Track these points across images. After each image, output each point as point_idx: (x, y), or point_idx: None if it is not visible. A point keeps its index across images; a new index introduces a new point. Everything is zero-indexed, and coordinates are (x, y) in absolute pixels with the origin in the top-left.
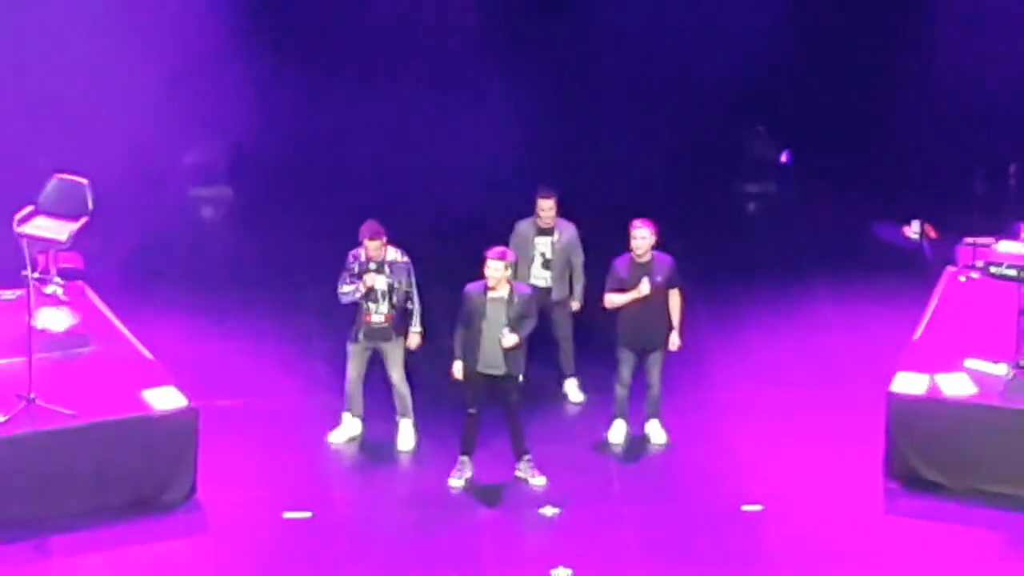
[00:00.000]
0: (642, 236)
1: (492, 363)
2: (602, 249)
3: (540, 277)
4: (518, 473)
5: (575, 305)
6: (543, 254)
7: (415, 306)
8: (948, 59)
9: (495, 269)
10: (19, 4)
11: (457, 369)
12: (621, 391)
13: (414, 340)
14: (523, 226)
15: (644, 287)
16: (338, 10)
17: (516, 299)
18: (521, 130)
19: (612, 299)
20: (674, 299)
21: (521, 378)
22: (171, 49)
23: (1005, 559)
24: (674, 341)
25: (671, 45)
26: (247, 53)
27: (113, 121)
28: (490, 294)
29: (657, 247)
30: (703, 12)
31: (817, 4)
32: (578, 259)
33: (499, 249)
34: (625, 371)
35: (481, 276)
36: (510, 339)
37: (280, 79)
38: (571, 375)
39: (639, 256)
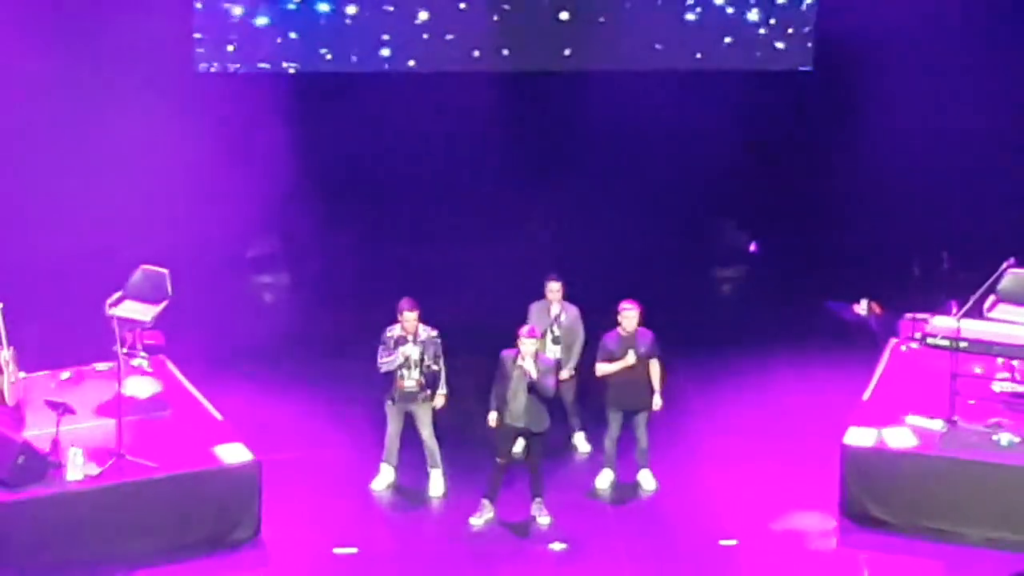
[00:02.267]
0: (630, 314)
1: (517, 417)
2: (597, 325)
3: (551, 351)
4: (532, 511)
5: (565, 374)
6: (552, 330)
7: (441, 373)
8: (890, 163)
9: (530, 344)
10: (107, 106)
11: (492, 419)
12: (610, 445)
13: (439, 401)
14: (537, 307)
15: (630, 358)
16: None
17: (541, 367)
18: (535, 230)
19: (603, 368)
20: (655, 367)
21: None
22: (234, 161)
23: None
24: (656, 402)
25: (657, 155)
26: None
27: (190, 219)
28: (519, 362)
29: (641, 324)
30: (680, 139)
31: (765, 122)
32: (579, 338)
33: (531, 328)
34: (614, 428)
35: (509, 345)
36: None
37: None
38: (579, 429)
39: (626, 331)
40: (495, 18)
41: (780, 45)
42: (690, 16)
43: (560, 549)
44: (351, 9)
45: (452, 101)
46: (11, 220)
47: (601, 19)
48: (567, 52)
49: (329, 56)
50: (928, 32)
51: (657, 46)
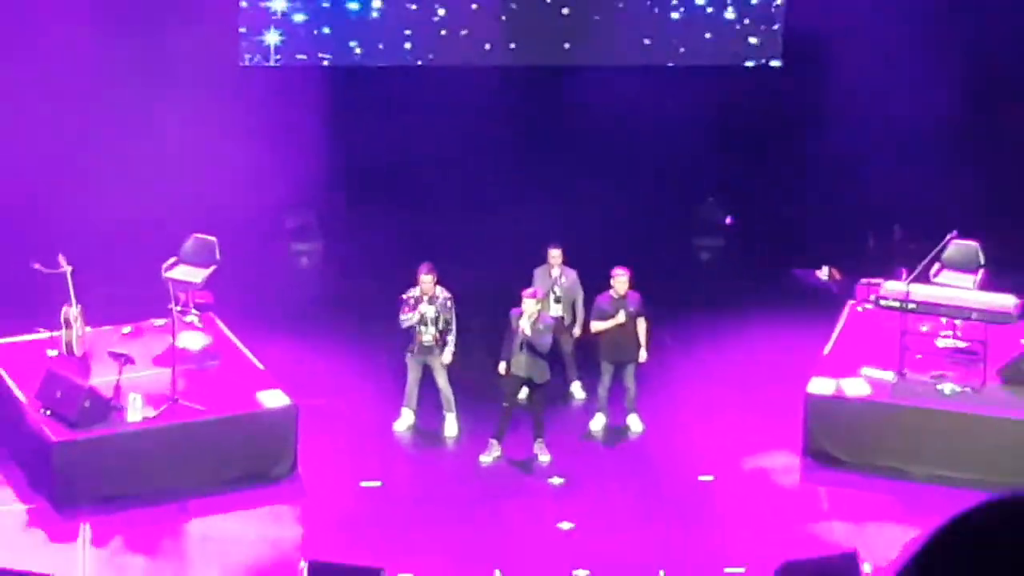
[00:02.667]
0: (621, 278)
1: (520, 368)
2: (592, 287)
3: (554, 310)
4: (535, 450)
5: (576, 331)
6: (555, 292)
7: (453, 332)
8: (849, 147)
9: (531, 305)
10: (164, 93)
11: (502, 367)
12: (603, 392)
13: (449, 356)
14: (540, 271)
15: (621, 316)
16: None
17: (542, 325)
18: (539, 204)
19: (597, 325)
20: (642, 325)
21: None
22: (275, 143)
23: (890, 510)
24: (643, 356)
25: (646, 141)
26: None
27: (236, 193)
28: (522, 320)
29: (630, 287)
30: (666, 127)
31: (740, 111)
32: (579, 297)
33: (533, 290)
34: (606, 378)
35: (517, 304)
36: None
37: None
38: (576, 379)
39: (617, 293)
40: (503, 17)
41: (753, 40)
42: (675, 15)
43: (558, 483)
44: (377, 3)
45: (466, 91)
46: (82, 192)
47: (596, 17)
48: (567, 47)
49: (358, 50)
50: (882, 28)
51: (646, 41)
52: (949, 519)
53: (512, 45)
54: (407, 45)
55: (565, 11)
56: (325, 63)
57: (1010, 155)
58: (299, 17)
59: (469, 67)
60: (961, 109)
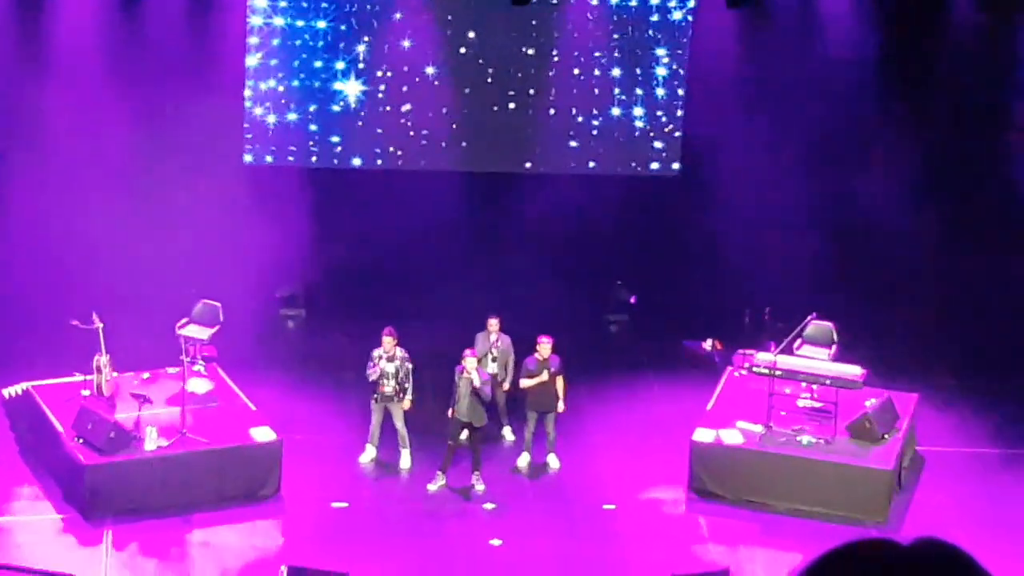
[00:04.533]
0: (545, 344)
1: (463, 414)
2: (521, 351)
3: (490, 368)
4: (472, 480)
5: (506, 385)
6: (492, 353)
7: (409, 384)
8: (731, 240)
9: (471, 360)
10: (177, 179)
11: (451, 412)
12: (528, 436)
13: (406, 403)
14: (480, 336)
15: (544, 375)
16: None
17: (481, 379)
18: (481, 282)
19: (525, 382)
20: (560, 382)
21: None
22: (270, 226)
23: (757, 536)
24: (560, 407)
25: (567, 236)
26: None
27: (236, 267)
28: (464, 374)
29: (553, 351)
30: (583, 223)
31: (643, 210)
32: (511, 358)
33: (471, 349)
34: (531, 424)
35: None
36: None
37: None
38: (506, 424)
39: (541, 356)
40: (454, 125)
41: (658, 144)
42: (595, 122)
43: (491, 508)
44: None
45: (424, 191)
46: (111, 262)
47: (530, 127)
48: (506, 154)
49: (339, 148)
50: (757, 140)
51: (572, 144)
52: (821, 554)
53: (463, 143)
54: (377, 150)
55: (512, 106)
56: (313, 160)
57: (864, 247)
58: (292, 116)
59: (428, 171)
60: (824, 218)
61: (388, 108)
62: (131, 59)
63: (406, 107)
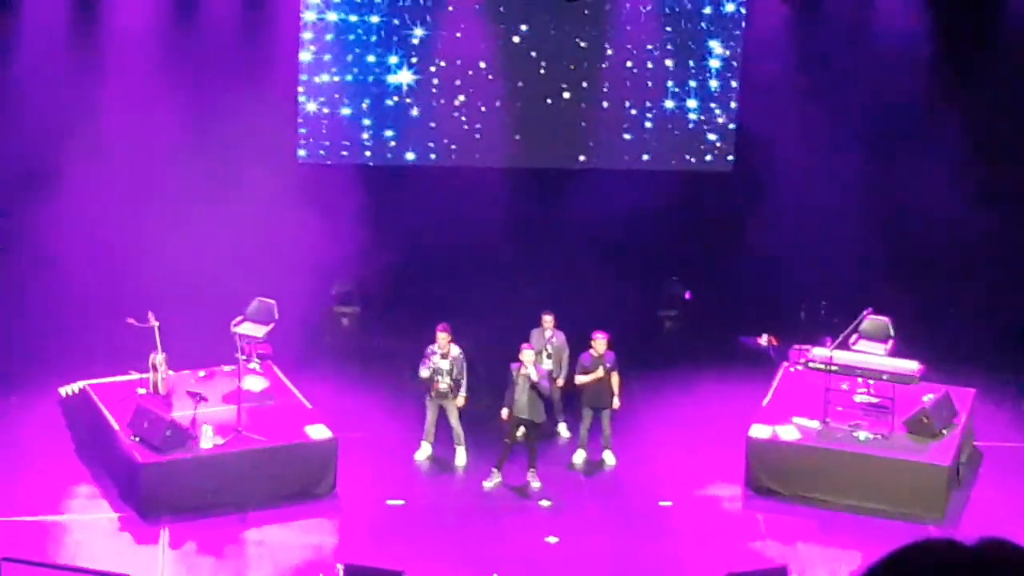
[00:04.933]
0: (600, 340)
1: (521, 411)
2: (577, 347)
3: (545, 364)
4: (528, 478)
5: (561, 382)
6: (547, 349)
7: (464, 381)
8: (787, 234)
9: (528, 353)
10: (239, 178)
11: (504, 413)
12: (583, 432)
13: (461, 400)
14: (535, 332)
15: (600, 371)
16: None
17: (539, 374)
18: (536, 278)
19: (580, 379)
20: (616, 378)
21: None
22: (325, 223)
23: (814, 533)
24: (616, 403)
25: (623, 230)
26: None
27: (293, 264)
28: (522, 370)
29: (608, 348)
30: (640, 218)
31: (699, 204)
32: (565, 354)
33: (528, 344)
34: (587, 420)
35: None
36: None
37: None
38: (562, 421)
39: (596, 352)
40: (507, 119)
41: (712, 137)
42: (648, 115)
43: (547, 505)
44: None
45: (480, 187)
46: (171, 261)
47: (583, 122)
48: (564, 149)
49: (393, 143)
50: (811, 133)
51: (627, 136)
52: (884, 557)
53: (517, 136)
54: (430, 143)
55: (565, 97)
56: (367, 155)
57: (920, 242)
58: (345, 111)
59: (481, 167)
60: (877, 202)
61: (442, 101)
62: (184, 57)
63: (459, 99)
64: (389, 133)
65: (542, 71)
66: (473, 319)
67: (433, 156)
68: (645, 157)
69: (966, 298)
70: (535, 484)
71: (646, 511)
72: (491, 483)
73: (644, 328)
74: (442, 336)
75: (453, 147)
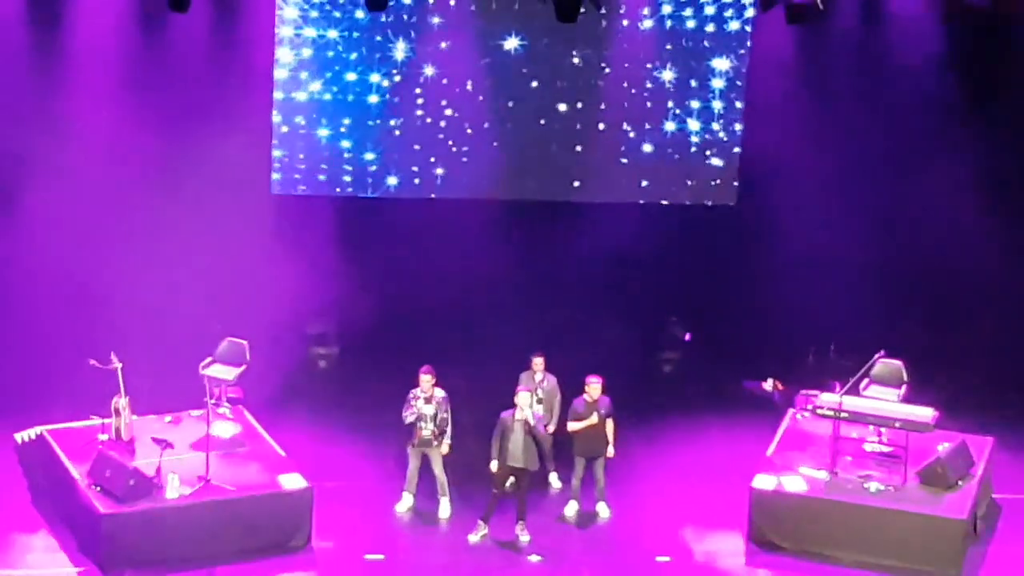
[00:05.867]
0: (594, 385)
1: (516, 459)
2: (569, 392)
3: (536, 409)
4: (516, 531)
5: (552, 428)
6: (537, 393)
7: (449, 427)
8: (792, 275)
9: (524, 397)
10: (204, 213)
11: (494, 465)
12: (576, 482)
13: (445, 448)
14: (525, 375)
15: (594, 418)
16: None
17: (534, 422)
18: (525, 318)
19: (572, 425)
20: (610, 426)
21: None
22: (301, 262)
23: None
24: (611, 452)
25: (619, 269)
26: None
27: (265, 304)
28: (516, 415)
29: (602, 392)
30: (637, 257)
31: (700, 244)
32: (557, 399)
33: (526, 387)
34: (579, 470)
35: (505, 405)
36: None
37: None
38: (553, 470)
39: (591, 397)
40: (495, 144)
41: (716, 162)
42: (647, 147)
43: (536, 560)
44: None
45: (463, 221)
46: (133, 301)
47: (578, 148)
48: (553, 183)
49: (374, 167)
50: (819, 159)
51: (623, 161)
52: None
53: (506, 166)
54: (416, 181)
55: (554, 148)
56: (346, 180)
57: (935, 276)
58: (323, 131)
59: (468, 199)
60: (894, 249)
61: (428, 121)
62: (152, 81)
63: (443, 123)
64: (370, 156)
65: (534, 87)
66: (459, 361)
67: (417, 181)
68: (644, 183)
69: (984, 338)
70: (524, 538)
71: (642, 567)
72: (477, 536)
73: (641, 372)
74: (425, 379)
75: (439, 172)
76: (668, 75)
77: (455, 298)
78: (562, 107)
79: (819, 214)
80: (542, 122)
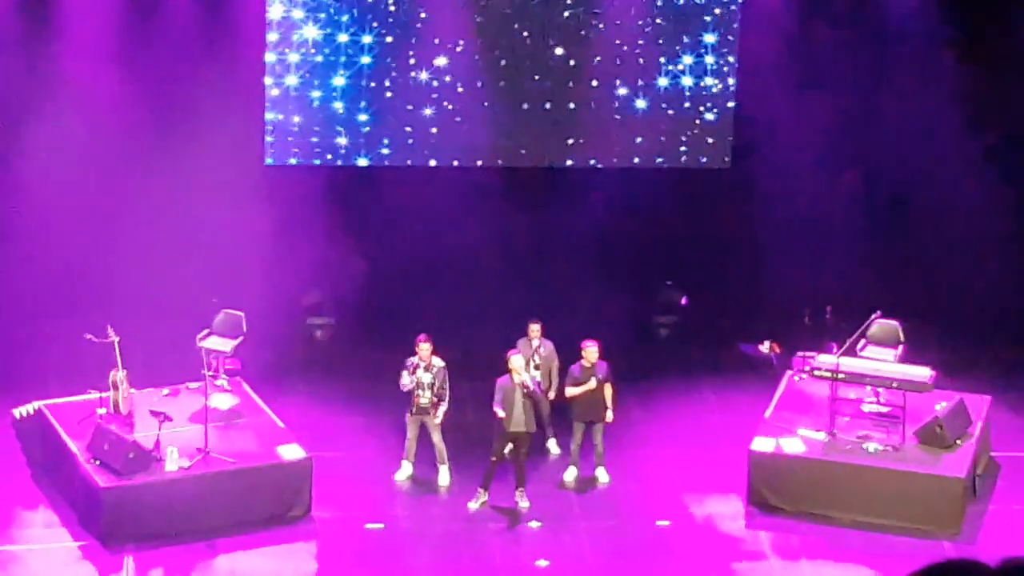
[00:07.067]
0: (591, 350)
1: (517, 423)
2: (566, 358)
3: (533, 375)
4: (516, 497)
5: (551, 394)
6: (534, 360)
7: (446, 395)
8: (788, 238)
9: (517, 359)
10: (200, 186)
11: (500, 412)
12: (574, 448)
13: (440, 416)
14: (522, 342)
15: (592, 383)
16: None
17: (532, 385)
18: (521, 284)
19: (570, 391)
20: (608, 391)
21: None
22: (296, 231)
23: (820, 550)
24: (609, 416)
25: (616, 232)
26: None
27: (261, 274)
28: (515, 379)
29: (600, 357)
30: (633, 220)
31: (696, 207)
32: (554, 365)
33: (519, 354)
34: (578, 435)
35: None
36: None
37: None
38: (552, 436)
39: (588, 362)
40: (485, 104)
41: (709, 116)
42: (640, 103)
43: (536, 526)
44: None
45: (459, 189)
46: (129, 272)
47: (570, 114)
48: (547, 146)
49: (367, 128)
50: (811, 132)
51: (616, 117)
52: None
53: (499, 126)
54: (410, 142)
55: (547, 106)
56: (339, 143)
57: (931, 238)
58: (316, 92)
59: (462, 167)
60: (888, 209)
61: (421, 80)
62: (143, 51)
63: (436, 82)
64: (363, 117)
65: (526, 44)
66: (455, 329)
67: (410, 142)
68: (638, 140)
69: (981, 296)
70: (524, 504)
71: (642, 531)
72: (477, 503)
73: (638, 336)
74: (424, 347)
75: (432, 131)
76: (660, 30)
77: (451, 265)
78: (555, 64)
79: (813, 173)
80: (536, 78)
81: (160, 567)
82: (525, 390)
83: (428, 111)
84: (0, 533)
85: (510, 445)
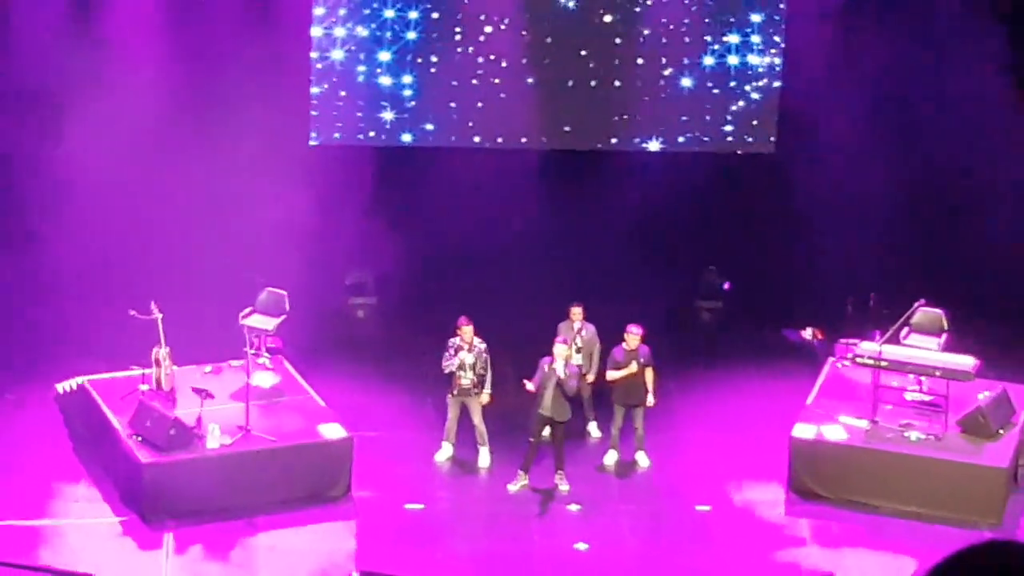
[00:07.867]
0: (634, 334)
1: (546, 408)
2: (607, 341)
3: (575, 359)
4: (555, 480)
5: (591, 378)
6: (576, 343)
7: (488, 376)
8: (832, 224)
9: (562, 349)
10: (242, 165)
11: (529, 386)
12: (615, 431)
13: (486, 398)
14: (563, 325)
15: (633, 367)
16: None
17: (568, 372)
18: (564, 268)
19: (612, 374)
20: (650, 375)
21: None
22: (338, 211)
23: (862, 539)
24: (650, 400)
25: (659, 217)
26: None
27: (304, 254)
28: (552, 364)
29: (642, 341)
30: (677, 205)
31: (740, 191)
32: (596, 349)
33: (563, 337)
34: (618, 419)
35: (543, 352)
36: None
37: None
38: (593, 419)
39: (630, 347)
40: (529, 79)
41: (756, 96)
42: (686, 81)
43: (575, 510)
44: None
45: (502, 170)
46: (174, 250)
47: (616, 96)
48: (592, 129)
49: (412, 103)
50: (856, 115)
51: (662, 96)
52: (944, 558)
53: (544, 104)
54: (454, 117)
55: (592, 83)
56: (384, 119)
57: (976, 226)
58: (361, 68)
59: (505, 148)
60: (934, 195)
61: (468, 54)
62: (191, 36)
63: (481, 58)
64: (408, 93)
65: (572, 21)
66: (497, 311)
67: (455, 117)
68: (684, 118)
69: None
70: (563, 487)
71: (682, 516)
72: (516, 486)
73: (680, 321)
74: (466, 329)
75: (478, 105)
76: (706, 9)
77: (493, 247)
78: (600, 42)
79: (858, 159)
80: (582, 53)
81: (200, 544)
82: (557, 380)
83: (474, 84)
84: (42, 507)
85: (547, 428)
